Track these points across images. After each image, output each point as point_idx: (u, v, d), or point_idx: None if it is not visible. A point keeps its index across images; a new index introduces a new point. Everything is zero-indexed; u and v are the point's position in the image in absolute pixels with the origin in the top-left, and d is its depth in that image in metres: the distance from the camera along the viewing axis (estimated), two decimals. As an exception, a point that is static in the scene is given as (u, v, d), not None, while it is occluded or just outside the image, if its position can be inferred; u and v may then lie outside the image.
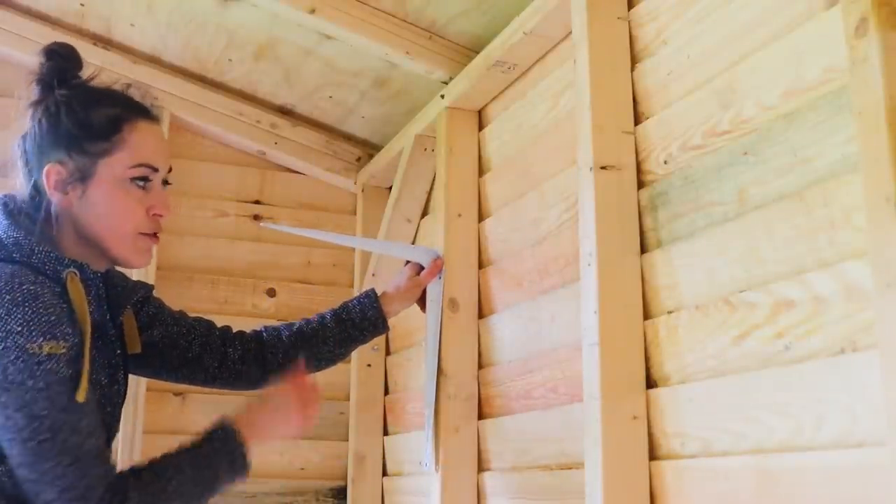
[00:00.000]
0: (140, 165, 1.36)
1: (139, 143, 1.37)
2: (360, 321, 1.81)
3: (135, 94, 1.43)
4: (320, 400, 1.57)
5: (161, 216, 1.40)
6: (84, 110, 1.35)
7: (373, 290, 1.87)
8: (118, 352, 1.42)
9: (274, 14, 2.18)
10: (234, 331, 1.75)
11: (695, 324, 1.32)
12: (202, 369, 1.66)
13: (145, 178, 1.37)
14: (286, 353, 1.74)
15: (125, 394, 1.46)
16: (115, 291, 1.45)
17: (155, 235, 1.41)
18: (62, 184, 1.34)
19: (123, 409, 2.44)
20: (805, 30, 1.17)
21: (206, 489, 1.37)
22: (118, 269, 1.52)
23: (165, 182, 1.43)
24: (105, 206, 1.35)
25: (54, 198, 1.34)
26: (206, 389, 1.76)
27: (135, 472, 1.33)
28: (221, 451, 1.39)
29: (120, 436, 2.37)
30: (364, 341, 1.85)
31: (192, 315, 1.70)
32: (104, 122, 1.35)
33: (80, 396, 1.24)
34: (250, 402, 1.50)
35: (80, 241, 1.36)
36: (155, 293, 1.64)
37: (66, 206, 1.35)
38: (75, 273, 1.30)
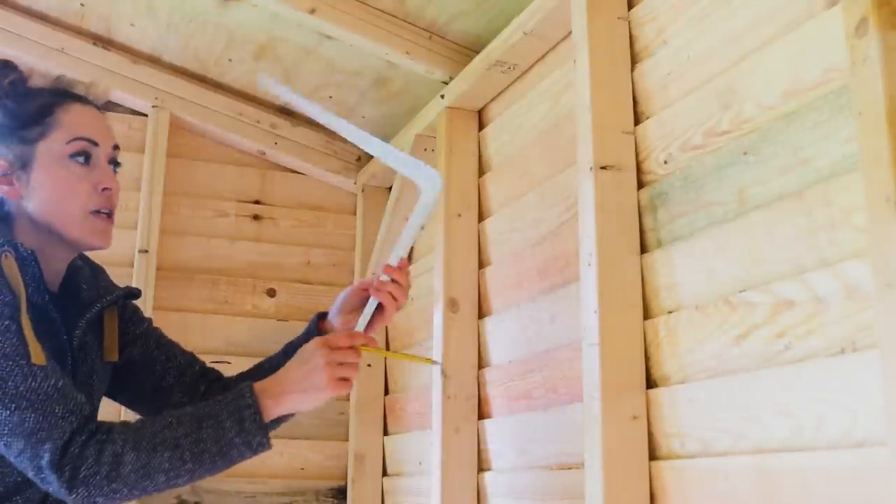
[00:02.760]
0: (77, 139, 1.37)
1: (73, 120, 1.38)
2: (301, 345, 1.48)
3: (64, 83, 1.44)
4: (359, 360, 1.35)
5: (109, 190, 1.39)
6: (16, 104, 1.38)
7: (316, 317, 1.57)
8: (64, 337, 1.36)
9: (274, 14, 2.18)
10: (219, 374, 1.61)
11: (695, 324, 1.32)
12: (171, 403, 1.53)
13: (85, 154, 1.37)
14: None
15: (83, 391, 1.35)
16: (85, 289, 1.43)
17: (109, 216, 1.39)
18: (6, 176, 1.36)
19: (124, 412, 2.44)
20: (805, 30, 1.17)
21: (209, 448, 1.25)
22: (93, 267, 1.49)
23: (114, 163, 1.42)
24: (50, 189, 1.35)
25: (1, 191, 1.36)
26: None
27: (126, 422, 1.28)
28: (229, 409, 1.27)
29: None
30: None
31: (187, 350, 1.60)
32: (36, 109, 1.37)
33: (35, 358, 1.22)
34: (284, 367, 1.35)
35: (36, 231, 1.36)
36: (151, 317, 1.59)
37: (15, 197, 1.36)
38: (9, 251, 1.29)
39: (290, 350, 1.53)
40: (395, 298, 1.44)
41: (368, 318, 1.45)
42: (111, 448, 1.21)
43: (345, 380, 1.33)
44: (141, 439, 1.23)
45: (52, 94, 1.40)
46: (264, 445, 1.28)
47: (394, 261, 1.45)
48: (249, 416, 1.26)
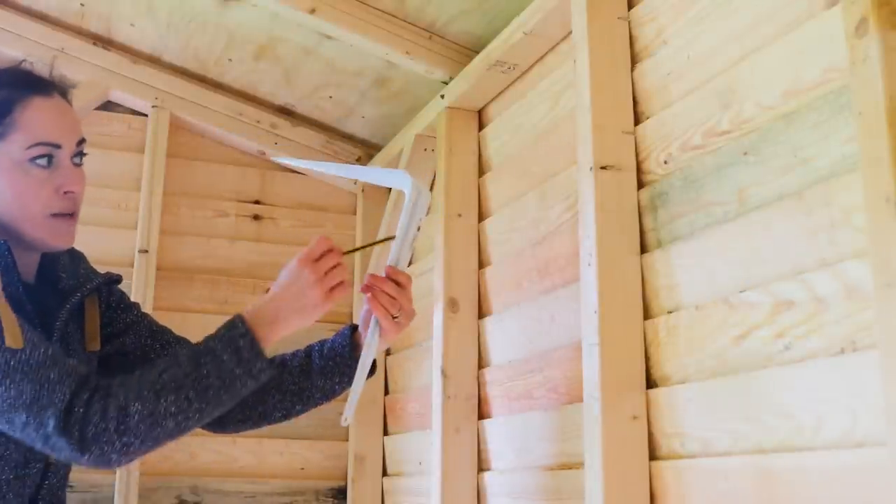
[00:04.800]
0: (37, 145, 1.30)
1: (33, 121, 1.31)
2: (328, 351, 1.51)
3: (28, 69, 1.38)
4: (345, 268, 1.35)
5: (73, 192, 1.34)
6: None
7: (350, 328, 1.53)
8: (39, 330, 1.31)
9: (274, 14, 2.18)
10: None
11: (695, 324, 1.32)
12: None
13: (47, 157, 1.31)
14: None
15: None
16: (65, 278, 1.40)
17: (72, 216, 1.34)
18: None
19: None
20: (805, 30, 1.17)
21: (213, 383, 1.24)
22: (72, 254, 1.46)
23: (80, 155, 1.37)
24: (8, 192, 1.30)
25: None
26: None
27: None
28: (224, 341, 1.26)
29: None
30: (332, 375, 1.49)
31: (179, 335, 1.56)
32: None
33: (11, 342, 1.19)
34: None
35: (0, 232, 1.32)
36: (137, 301, 1.56)
37: None
38: None
39: (311, 351, 1.52)
40: (386, 309, 1.39)
41: (375, 336, 1.41)
42: (114, 402, 1.19)
43: (337, 287, 1.34)
44: (143, 388, 1.21)
45: (10, 88, 1.33)
46: (266, 371, 1.28)
47: (384, 271, 1.42)
48: (246, 346, 1.26)
